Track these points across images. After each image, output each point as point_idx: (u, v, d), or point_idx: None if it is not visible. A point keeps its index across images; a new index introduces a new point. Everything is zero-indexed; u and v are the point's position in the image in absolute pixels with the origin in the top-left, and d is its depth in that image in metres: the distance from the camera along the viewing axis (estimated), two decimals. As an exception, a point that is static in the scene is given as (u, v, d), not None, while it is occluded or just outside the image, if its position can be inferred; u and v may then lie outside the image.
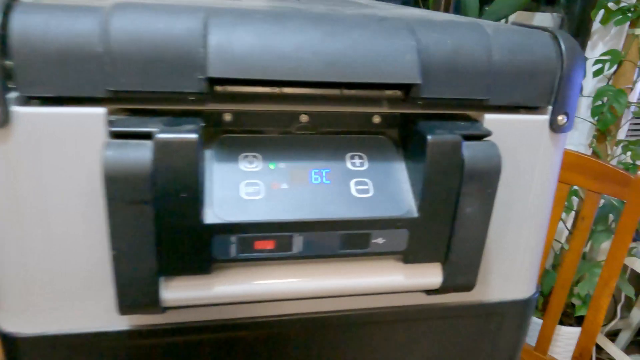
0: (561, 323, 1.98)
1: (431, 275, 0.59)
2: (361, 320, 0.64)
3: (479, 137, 0.55)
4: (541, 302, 2.11)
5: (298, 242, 0.53)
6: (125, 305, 0.51)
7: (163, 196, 0.47)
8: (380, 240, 0.55)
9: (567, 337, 1.99)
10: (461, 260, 0.58)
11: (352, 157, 0.57)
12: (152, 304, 0.51)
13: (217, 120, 0.55)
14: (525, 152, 0.61)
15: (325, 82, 0.50)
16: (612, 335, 2.32)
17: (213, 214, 0.50)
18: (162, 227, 0.49)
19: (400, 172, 0.57)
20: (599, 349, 2.02)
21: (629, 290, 1.97)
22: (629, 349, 2.33)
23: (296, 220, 0.52)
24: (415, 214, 0.54)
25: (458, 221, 0.55)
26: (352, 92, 0.56)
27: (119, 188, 0.46)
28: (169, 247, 0.50)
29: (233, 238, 0.51)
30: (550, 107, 0.60)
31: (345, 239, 0.54)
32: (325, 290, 0.57)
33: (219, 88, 0.52)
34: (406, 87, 0.55)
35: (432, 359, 0.70)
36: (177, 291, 0.53)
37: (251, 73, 0.49)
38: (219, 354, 0.62)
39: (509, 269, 0.67)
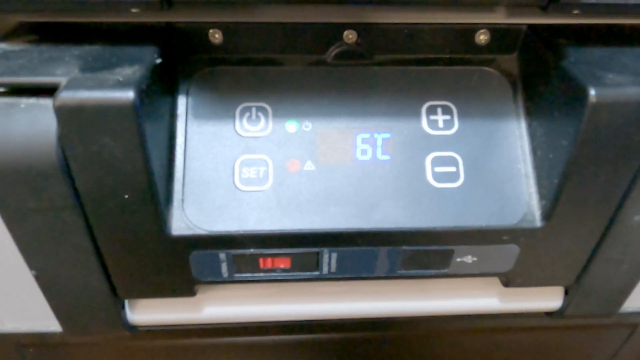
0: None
1: (545, 299, 0.37)
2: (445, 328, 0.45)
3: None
4: None
5: (330, 260, 0.32)
6: (67, 327, 0.34)
7: (90, 196, 0.27)
8: (468, 259, 0.32)
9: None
10: (602, 285, 0.35)
11: (432, 111, 0.32)
12: (106, 326, 0.34)
13: (198, 42, 0.31)
14: None
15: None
16: None
17: (185, 219, 0.30)
18: (102, 241, 0.29)
19: (516, 141, 0.32)
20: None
21: None
22: None
23: (327, 231, 0.30)
24: (537, 222, 0.31)
25: (614, 234, 0.31)
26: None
27: (9, 187, 0.26)
28: (122, 266, 0.31)
29: (222, 255, 0.31)
30: None
31: (408, 257, 0.32)
32: (375, 314, 0.37)
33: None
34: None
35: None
36: (146, 314, 0.35)
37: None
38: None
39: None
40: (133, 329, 0.36)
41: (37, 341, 0.43)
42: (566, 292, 0.37)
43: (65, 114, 0.24)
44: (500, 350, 0.49)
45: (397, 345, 0.47)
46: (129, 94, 0.24)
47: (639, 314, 0.46)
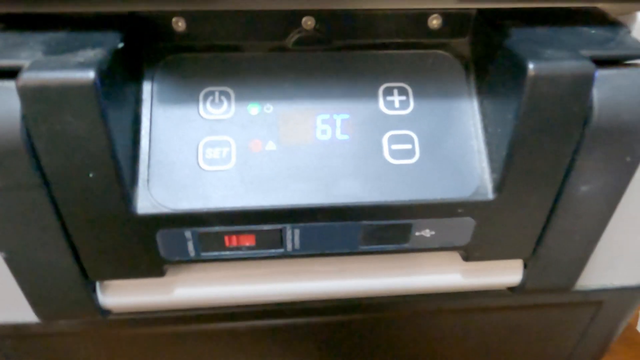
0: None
1: (504, 273, 0.38)
2: (412, 308, 0.46)
3: (623, 61, 0.30)
4: None
5: (293, 237, 0.33)
6: (41, 312, 0.35)
7: (56, 175, 0.28)
8: (427, 233, 0.34)
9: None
10: (558, 257, 0.36)
11: (388, 93, 0.34)
12: (78, 310, 0.35)
13: (161, 30, 0.33)
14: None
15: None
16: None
17: (150, 198, 0.31)
18: (69, 221, 0.30)
19: (468, 119, 0.33)
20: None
21: None
22: None
23: (290, 207, 0.31)
24: (489, 194, 0.32)
25: (564, 204, 0.33)
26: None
27: (-25, 167, 0.27)
28: (91, 247, 0.32)
29: (188, 233, 0.32)
30: None
31: (368, 231, 0.33)
32: (343, 292, 0.38)
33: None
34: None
35: (503, 348, 0.53)
36: (118, 296, 0.36)
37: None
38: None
39: (620, 252, 0.44)
40: (105, 312, 0.37)
41: (14, 332, 0.43)
42: (525, 267, 0.38)
43: (28, 94, 0.26)
44: (467, 333, 0.50)
45: (371, 326, 0.48)
46: (90, 74, 0.26)
47: (602, 291, 0.48)
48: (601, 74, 0.29)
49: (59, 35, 0.29)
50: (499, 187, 0.32)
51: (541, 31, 0.31)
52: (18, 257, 0.32)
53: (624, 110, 0.29)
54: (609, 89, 0.29)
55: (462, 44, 0.35)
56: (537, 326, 0.51)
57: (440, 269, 0.38)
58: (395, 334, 0.49)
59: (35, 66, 0.26)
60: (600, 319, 0.51)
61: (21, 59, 0.26)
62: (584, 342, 0.54)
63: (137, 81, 0.32)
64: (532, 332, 0.51)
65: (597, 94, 0.29)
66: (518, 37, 0.30)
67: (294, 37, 0.34)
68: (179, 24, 0.33)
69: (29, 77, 0.25)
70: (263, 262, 0.37)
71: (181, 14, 0.32)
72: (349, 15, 0.33)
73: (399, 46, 0.35)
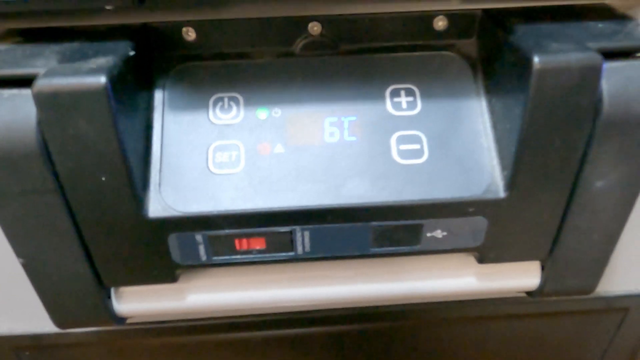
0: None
1: (521, 276, 0.38)
2: (427, 316, 0.46)
3: (631, 53, 0.29)
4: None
5: (303, 239, 0.33)
6: (58, 320, 0.36)
7: (70, 179, 0.29)
8: (438, 234, 0.33)
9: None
10: (577, 257, 0.35)
11: (396, 94, 0.34)
12: (93, 317, 0.35)
13: (172, 39, 0.34)
14: None
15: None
16: None
17: (161, 201, 0.31)
18: (84, 225, 0.31)
19: (477, 118, 0.33)
20: None
21: None
22: None
23: (299, 209, 0.31)
24: (501, 192, 0.32)
25: (579, 201, 0.32)
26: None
27: (-7, 172, 0.28)
28: (105, 252, 0.32)
29: (198, 237, 0.32)
30: None
31: (379, 233, 0.33)
32: (356, 297, 0.38)
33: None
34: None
35: (529, 358, 0.51)
36: (132, 303, 0.36)
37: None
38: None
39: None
40: (120, 320, 0.37)
41: (32, 343, 0.44)
42: (543, 269, 0.37)
43: (42, 100, 0.27)
44: (485, 343, 0.49)
45: (387, 336, 0.47)
46: (101, 79, 0.26)
47: (627, 297, 0.46)
48: (610, 66, 0.28)
49: (73, 46, 0.30)
50: (510, 185, 0.31)
51: (547, 27, 0.31)
52: (35, 263, 0.32)
53: (635, 102, 0.28)
54: (619, 81, 0.28)
55: (469, 44, 0.35)
56: (558, 336, 0.50)
57: (455, 272, 0.37)
58: (410, 344, 0.48)
59: (50, 73, 0.27)
60: (627, 328, 0.49)
61: (36, 68, 0.28)
62: (610, 354, 0.52)
63: (149, 89, 0.33)
64: (553, 343, 0.50)
65: (607, 86, 0.28)
66: (523, 33, 0.30)
67: (300, 42, 0.34)
68: (189, 34, 0.34)
69: (43, 83, 0.26)
70: (275, 267, 0.37)
71: (191, 23, 0.33)
72: (355, 20, 0.34)
73: (405, 48, 0.35)
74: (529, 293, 0.39)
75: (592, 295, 0.44)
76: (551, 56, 0.27)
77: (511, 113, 0.30)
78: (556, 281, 0.37)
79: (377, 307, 0.44)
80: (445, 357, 0.50)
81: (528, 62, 0.28)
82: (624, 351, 0.51)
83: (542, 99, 0.28)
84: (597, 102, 0.29)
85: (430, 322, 0.47)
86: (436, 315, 0.46)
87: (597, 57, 0.27)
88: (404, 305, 0.43)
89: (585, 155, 0.30)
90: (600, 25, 0.31)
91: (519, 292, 0.39)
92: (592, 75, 0.28)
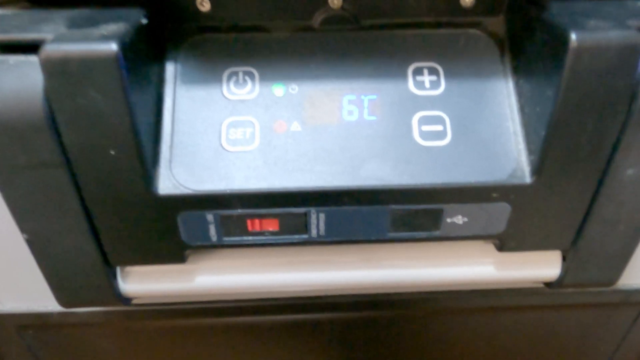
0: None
1: (541, 266, 0.36)
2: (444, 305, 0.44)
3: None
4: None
5: (318, 221, 0.32)
6: (62, 299, 0.35)
7: (77, 152, 0.28)
8: (459, 220, 0.32)
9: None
10: (600, 249, 0.34)
11: (418, 73, 0.32)
12: (99, 297, 0.34)
13: (186, 10, 0.32)
14: None
15: None
16: None
17: (172, 178, 0.30)
18: (91, 201, 0.30)
19: (503, 100, 0.32)
20: None
21: None
22: None
23: (315, 189, 0.30)
24: (527, 178, 0.30)
25: (607, 190, 0.31)
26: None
27: (-2, 143, 0.27)
28: (112, 229, 0.31)
29: (209, 216, 0.31)
30: None
31: (397, 217, 0.32)
32: (370, 282, 0.37)
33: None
34: None
35: (535, 351, 0.50)
36: (138, 283, 0.35)
37: None
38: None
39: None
40: (126, 300, 0.36)
41: (36, 322, 0.43)
42: (564, 259, 0.36)
43: (50, 67, 0.25)
44: (498, 334, 0.48)
45: (397, 324, 0.46)
46: (112, 46, 0.25)
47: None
48: (650, 46, 0.27)
49: (83, 12, 0.29)
50: (537, 170, 0.30)
51: (583, 4, 0.29)
52: (40, 239, 0.31)
53: (675, 85, 0.27)
54: (659, 62, 0.27)
55: (496, 22, 0.33)
56: (572, 329, 0.49)
57: (473, 260, 0.36)
58: (423, 333, 0.47)
59: (58, 39, 0.25)
60: (643, 322, 0.48)
61: (44, 33, 0.26)
62: (624, 348, 0.51)
63: (161, 61, 0.32)
64: (568, 335, 0.49)
65: (647, 67, 0.27)
66: (557, 10, 0.28)
67: (320, 16, 0.33)
68: (204, 4, 0.32)
69: (51, 49, 0.25)
70: (287, 250, 0.36)
71: (205, -7, 0.32)
72: None
73: (429, 25, 0.33)
74: (548, 284, 0.37)
75: (609, 288, 0.43)
76: (589, 34, 0.26)
77: (542, 95, 0.29)
78: (577, 273, 0.36)
79: (388, 294, 0.43)
80: (455, 346, 0.50)
81: (564, 40, 0.26)
82: (638, 348, 0.50)
83: (578, 79, 0.27)
84: (634, 84, 0.27)
85: (442, 311, 0.46)
86: (448, 304, 0.45)
87: (638, 36, 0.26)
88: (417, 293, 0.42)
89: (618, 140, 0.29)
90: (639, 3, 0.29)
91: (538, 282, 0.38)
92: (631, 55, 0.26)
